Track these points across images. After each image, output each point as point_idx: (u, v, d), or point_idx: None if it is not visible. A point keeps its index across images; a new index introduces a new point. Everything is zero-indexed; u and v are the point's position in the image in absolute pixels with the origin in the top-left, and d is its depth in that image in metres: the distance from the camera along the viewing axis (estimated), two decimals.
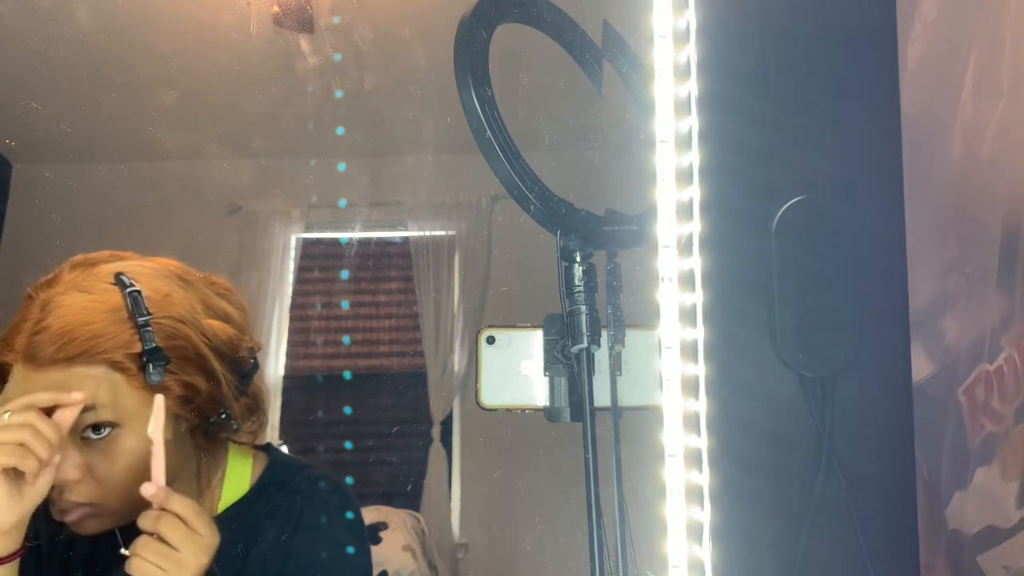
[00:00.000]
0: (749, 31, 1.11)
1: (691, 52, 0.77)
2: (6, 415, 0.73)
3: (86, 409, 0.77)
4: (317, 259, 3.78)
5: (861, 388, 1.08)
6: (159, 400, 0.76)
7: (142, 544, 0.74)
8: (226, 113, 3.31)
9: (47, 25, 2.74)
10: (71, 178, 3.64)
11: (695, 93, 0.77)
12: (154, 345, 0.78)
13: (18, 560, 0.75)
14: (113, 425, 0.79)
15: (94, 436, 0.78)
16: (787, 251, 1.08)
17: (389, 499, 3.30)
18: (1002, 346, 0.93)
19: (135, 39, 2.86)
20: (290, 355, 3.60)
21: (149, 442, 0.79)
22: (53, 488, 0.77)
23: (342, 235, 3.78)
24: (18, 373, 0.78)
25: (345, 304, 3.69)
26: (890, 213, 1.11)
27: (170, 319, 0.81)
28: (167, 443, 0.81)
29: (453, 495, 3.49)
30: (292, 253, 3.70)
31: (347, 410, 3.54)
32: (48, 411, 0.76)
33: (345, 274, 3.75)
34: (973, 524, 0.97)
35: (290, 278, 3.66)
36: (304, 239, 3.76)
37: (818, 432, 1.07)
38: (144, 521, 0.75)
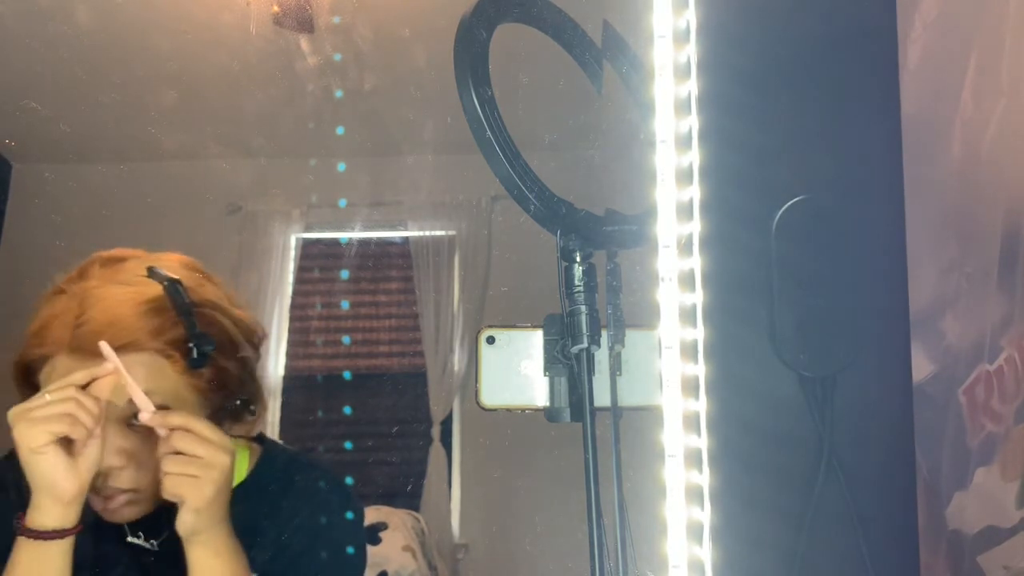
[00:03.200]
0: (749, 31, 1.11)
1: (691, 52, 0.77)
2: (47, 395, 0.76)
3: None
4: (317, 259, 3.78)
5: (861, 388, 1.08)
6: (104, 345, 0.78)
7: (168, 463, 0.77)
8: (226, 113, 3.31)
9: (47, 25, 2.74)
10: (71, 178, 3.64)
11: (695, 93, 0.77)
12: (198, 331, 0.82)
13: (74, 538, 0.78)
14: (161, 409, 0.81)
15: (138, 423, 0.80)
16: (787, 251, 1.08)
17: (389, 499, 3.30)
18: (1002, 346, 0.93)
19: (135, 39, 2.86)
20: (290, 355, 3.60)
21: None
22: (97, 476, 0.79)
23: (342, 235, 3.78)
24: (63, 364, 0.80)
25: (345, 304, 3.69)
26: (890, 213, 1.11)
27: (206, 307, 0.85)
28: None
29: (453, 495, 3.49)
30: (292, 253, 3.70)
31: (347, 410, 3.54)
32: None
33: (345, 274, 3.75)
34: (973, 524, 0.97)
35: (290, 278, 3.66)
36: (304, 239, 3.76)
37: (818, 432, 1.07)
38: (161, 447, 0.78)
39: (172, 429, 0.78)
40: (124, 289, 0.82)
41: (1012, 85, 0.92)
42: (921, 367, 1.08)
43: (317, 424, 3.53)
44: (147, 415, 0.78)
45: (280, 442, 1.03)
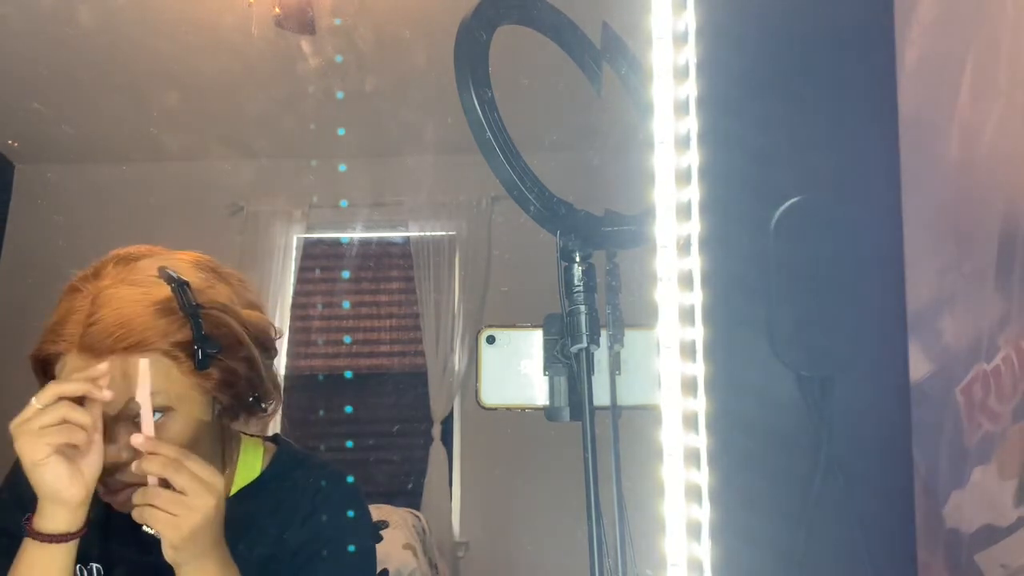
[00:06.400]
0: (747, 32, 1.11)
1: (690, 53, 0.78)
2: (34, 402, 0.76)
3: None
4: (318, 259, 3.79)
5: (859, 387, 1.09)
6: (143, 364, 0.79)
7: (151, 493, 0.77)
8: (228, 114, 3.31)
9: (50, 27, 2.75)
10: (73, 179, 3.65)
11: (694, 94, 0.77)
12: (204, 333, 0.82)
13: (79, 540, 0.79)
14: (165, 410, 0.82)
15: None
16: (785, 251, 1.08)
17: (390, 498, 3.30)
18: (999, 346, 0.93)
19: (137, 41, 2.87)
20: (291, 354, 3.61)
21: (196, 425, 0.84)
22: (106, 469, 0.80)
23: (343, 235, 3.78)
24: (73, 362, 0.80)
25: (346, 304, 3.70)
26: (888, 213, 1.12)
27: (214, 308, 0.85)
28: (205, 424, 0.85)
29: (453, 494, 3.50)
30: (293, 253, 3.71)
31: (348, 409, 3.55)
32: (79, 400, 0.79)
33: (346, 274, 3.75)
34: (971, 523, 0.97)
35: (291, 278, 3.67)
36: (305, 239, 3.77)
37: (816, 431, 1.08)
38: (149, 464, 0.77)
39: (160, 454, 0.78)
40: (135, 290, 0.83)
41: (1010, 86, 0.93)
42: (919, 366, 1.09)
43: (318, 423, 3.54)
44: (139, 438, 0.78)
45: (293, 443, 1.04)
